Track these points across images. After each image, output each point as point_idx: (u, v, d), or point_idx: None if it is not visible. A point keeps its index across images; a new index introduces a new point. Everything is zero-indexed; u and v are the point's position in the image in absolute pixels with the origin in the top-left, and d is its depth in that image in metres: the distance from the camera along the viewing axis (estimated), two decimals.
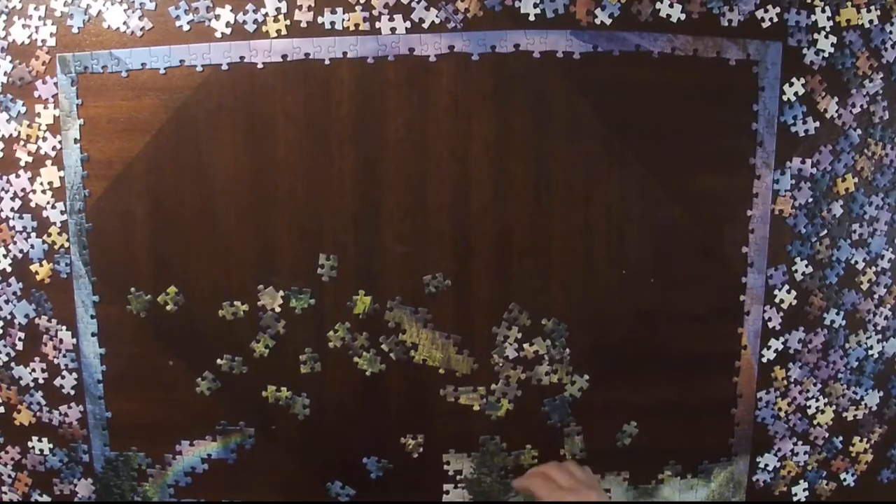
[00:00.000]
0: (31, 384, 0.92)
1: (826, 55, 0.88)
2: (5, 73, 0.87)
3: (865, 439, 0.98)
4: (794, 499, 0.97)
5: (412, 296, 0.88)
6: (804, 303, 0.93)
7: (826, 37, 0.88)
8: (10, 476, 0.95)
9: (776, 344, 0.93)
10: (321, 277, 0.88)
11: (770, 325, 0.92)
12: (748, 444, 0.94)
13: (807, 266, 0.92)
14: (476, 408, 0.91)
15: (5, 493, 0.95)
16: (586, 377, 0.90)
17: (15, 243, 0.90)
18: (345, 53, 0.85)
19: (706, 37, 0.86)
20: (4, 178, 0.89)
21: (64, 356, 0.91)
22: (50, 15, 0.86)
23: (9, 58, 0.87)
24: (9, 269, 0.90)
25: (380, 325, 0.89)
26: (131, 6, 0.85)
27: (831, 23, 0.88)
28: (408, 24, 0.85)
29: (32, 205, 0.89)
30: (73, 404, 0.92)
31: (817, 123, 0.89)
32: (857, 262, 0.94)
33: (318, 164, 0.86)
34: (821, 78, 0.89)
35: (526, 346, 0.89)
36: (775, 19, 0.87)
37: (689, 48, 0.86)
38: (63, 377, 0.91)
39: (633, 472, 0.93)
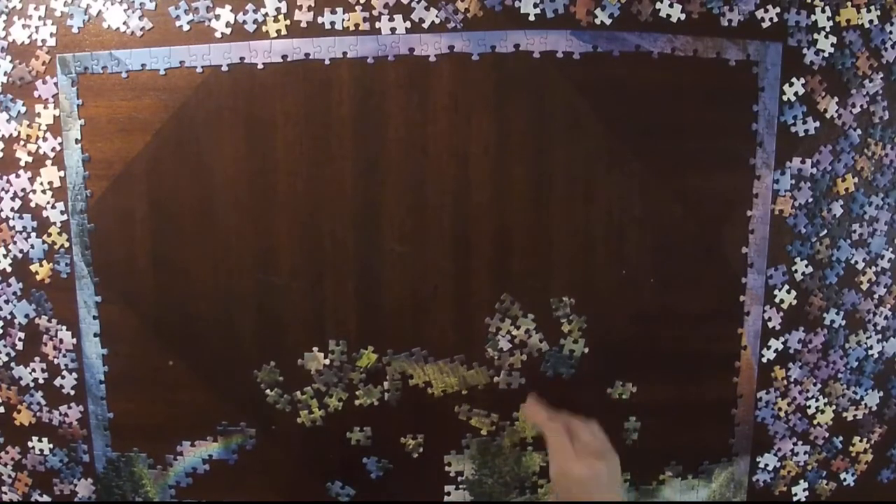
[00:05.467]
0: (31, 384, 0.92)
1: (826, 55, 0.88)
2: (5, 73, 0.87)
3: (865, 439, 0.98)
4: (794, 499, 0.97)
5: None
6: (804, 303, 0.93)
7: (826, 37, 0.88)
8: (10, 476, 0.95)
9: (776, 344, 0.93)
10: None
11: (770, 325, 0.92)
12: (748, 444, 0.94)
13: (807, 266, 0.92)
14: (484, 432, 0.90)
15: (5, 493, 0.95)
16: (584, 341, 0.89)
17: (15, 243, 0.90)
18: (345, 53, 0.85)
19: (706, 37, 0.86)
20: (4, 178, 0.89)
21: (64, 356, 0.91)
22: (50, 15, 0.86)
23: (9, 58, 0.87)
24: (9, 269, 0.90)
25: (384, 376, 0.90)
26: (131, 6, 0.85)
27: (831, 23, 0.88)
28: (408, 24, 0.85)
29: (32, 205, 0.89)
30: (73, 404, 0.92)
31: (817, 123, 0.89)
32: (857, 262, 0.93)
33: (318, 164, 0.86)
34: (821, 78, 0.89)
35: (514, 330, 0.89)
36: (775, 19, 0.87)
37: (688, 48, 0.86)
38: (63, 377, 0.91)
39: (634, 472, 0.93)
